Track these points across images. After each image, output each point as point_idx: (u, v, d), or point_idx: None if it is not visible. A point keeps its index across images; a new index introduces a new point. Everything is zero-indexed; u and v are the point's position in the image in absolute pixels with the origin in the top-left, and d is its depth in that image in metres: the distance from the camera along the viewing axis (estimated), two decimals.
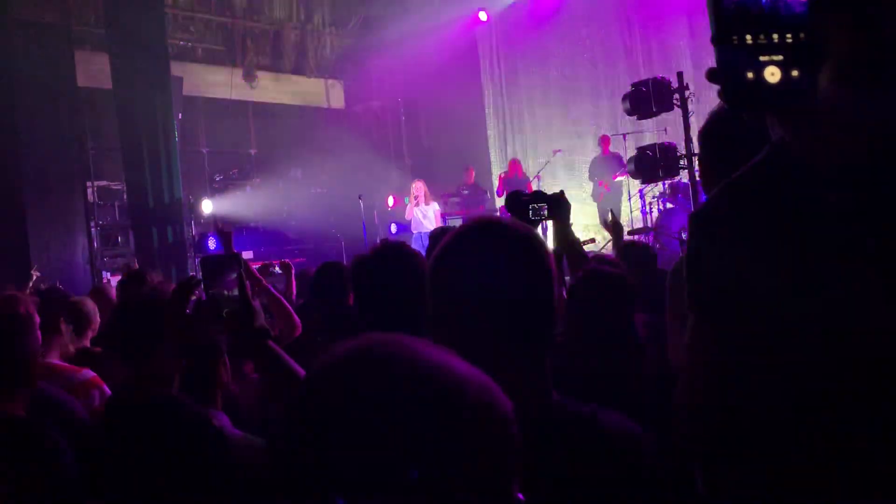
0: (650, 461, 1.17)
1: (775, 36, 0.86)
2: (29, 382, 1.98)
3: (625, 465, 1.13)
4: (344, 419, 0.71)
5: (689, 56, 10.77)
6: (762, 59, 0.85)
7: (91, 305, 3.70)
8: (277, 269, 5.01)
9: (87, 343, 3.55)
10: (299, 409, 0.75)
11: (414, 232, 10.78)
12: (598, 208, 11.58)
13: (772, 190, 1.02)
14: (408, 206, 10.96)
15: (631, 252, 3.91)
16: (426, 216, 10.67)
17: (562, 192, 2.75)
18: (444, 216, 11.22)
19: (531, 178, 12.10)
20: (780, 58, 0.85)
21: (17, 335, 1.95)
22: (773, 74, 0.85)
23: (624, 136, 11.14)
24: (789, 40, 0.86)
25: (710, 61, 0.90)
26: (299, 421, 0.75)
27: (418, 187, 10.78)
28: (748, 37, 0.86)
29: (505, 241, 1.21)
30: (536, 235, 1.26)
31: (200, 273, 1.82)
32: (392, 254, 1.98)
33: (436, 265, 1.25)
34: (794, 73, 0.85)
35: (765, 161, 1.05)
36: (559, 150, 12.92)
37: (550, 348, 1.22)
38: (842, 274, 0.94)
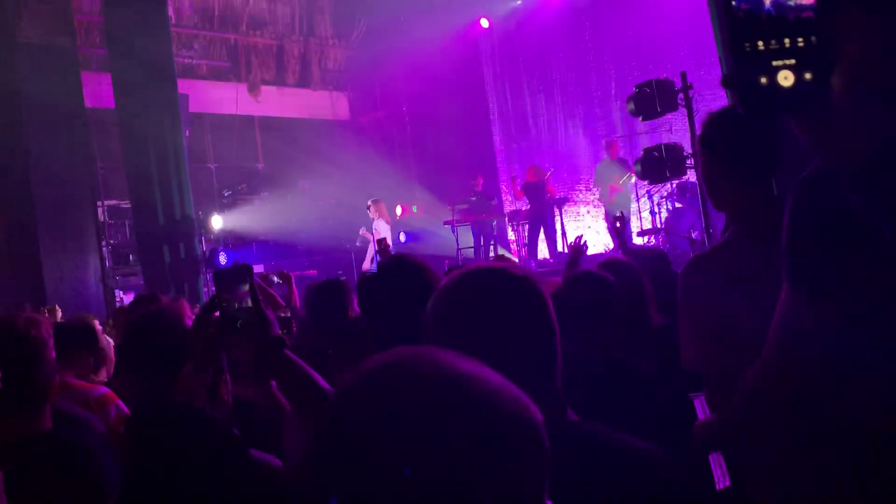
0: (668, 480, 1.16)
1: (786, 40, 0.86)
2: (49, 398, 2.02)
3: (642, 484, 1.13)
4: (382, 432, 0.73)
5: (692, 55, 10.77)
6: (775, 63, 0.85)
7: (106, 341, 3.67)
8: (276, 279, 5.04)
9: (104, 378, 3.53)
10: (335, 424, 0.77)
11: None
12: (607, 211, 11.59)
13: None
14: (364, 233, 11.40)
15: (639, 258, 3.88)
16: (372, 233, 11.03)
17: None
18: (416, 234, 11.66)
19: (546, 181, 12.09)
20: (793, 62, 0.85)
21: (37, 356, 1.99)
22: (786, 78, 0.85)
23: (629, 137, 11.15)
24: (800, 44, 0.86)
25: (713, 60, 0.90)
26: (335, 436, 0.76)
27: (370, 209, 11.31)
28: (760, 43, 0.86)
29: (506, 286, 1.28)
30: (533, 277, 1.33)
31: (214, 286, 1.83)
32: (399, 268, 1.95)
33: (440, 309, 1.32)
34: (807, 76, 0.85)
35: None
36: (565, 153, 12.99)
37: (558, 370, 1.26)
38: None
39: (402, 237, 13.29)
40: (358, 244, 11.76)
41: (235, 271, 1.80)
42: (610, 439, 1.20)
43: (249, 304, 1.73)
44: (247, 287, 1.74)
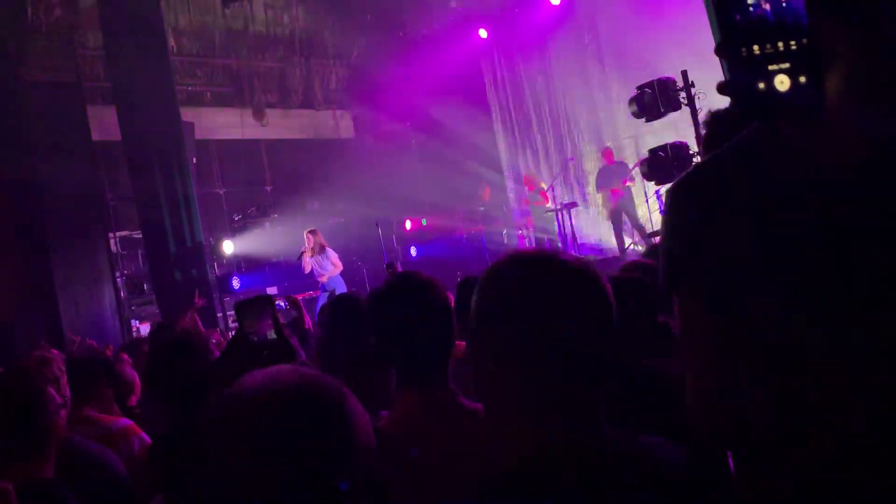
0: (700, 488, 1.12)
1: (780, 44, 0.86)
2: (51, 443, 2.02)
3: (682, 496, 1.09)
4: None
5: (693, 53, 10.73)
6: (771, 68, 0.85)
7: (130, 373, 3.69)
8: (282, 303, 5.04)
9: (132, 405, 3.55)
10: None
11: (319, 280, 10.79)
12: (610, 216, 11.64)
13: (761, 171, 1.00)
14: (302, 259, 10.82)
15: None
16: (321, 265, 10.64)
17: None
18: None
19: (545, 188, 12.14)
20: (788, 66, 0.85)
21: (38, 403, 2.00)
22: (782, 83, 0.85)
23: (634, 138, 11.17)
24: (794, 48, 0.85)
25: (713, 57, 0.90)
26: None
27: (308, 239, 10.72)
28: (756, 47, 0.86)
29: (563, 277, 1.13)
30: (594, 269, 1.18)
31: (237, 318, 1.85)
32: (407, 286, 1.90)
33: (486, 299, 1.16)
34: (801, 79, 0.85)
35: (751, 142, 1.03)
36: (571, 158, 12.99)
37: (606, 383, 1.15)
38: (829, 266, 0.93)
39: (413, 251, 13.31)
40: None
41: (257, 303, 1.83)
42: (645, 451, 1.13)
43: (273, 335, 1.76)
44: (269, 318, 1.77)
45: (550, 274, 1.13)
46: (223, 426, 0.87)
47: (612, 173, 11.42)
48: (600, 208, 12.23)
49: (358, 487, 0.86)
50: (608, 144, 11.97)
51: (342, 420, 0.89)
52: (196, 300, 5.26)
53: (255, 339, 1.82)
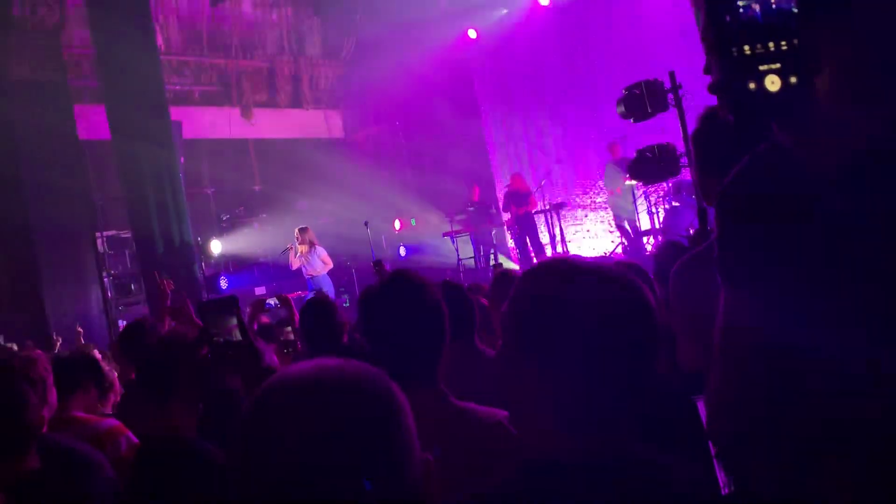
0: None
1: (771, 45, 0.86)
2: (35, 437, 2.03)
3: None
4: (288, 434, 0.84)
5: (682, 53, 10.78)
6: (762, 68, 0.86)
7: (108, 369, 3.64)
8: (270, 303, 5.01)
9: (109, 409, 3.51)
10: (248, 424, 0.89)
11: (307, 276, 10.93)
12: (612, 212, 11.63)
13: (775, 184, 1.01)
14: (288, 257, 11.00)
15: (664, 251, 3.83)
16: (310, 262, 10.80)
17: None
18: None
19: (534, 190, 12.15)
20: (778, 66, 0.86)
21: (19, 403, 2.00)
22: (773, 83, 0.85)
23: (622, 139, 11.18)
24: (784, 47, 0.86)
25: (702, 58, 0.91)
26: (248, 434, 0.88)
27: (298, 237, 10.89)
28: (746, 47, 0.86)
29: (610, 288, 1.14)
30: (634, 280, 1.17)
31: (200, 318, 1.83)
32: (401, 285, 1.88)
33: (530, 307, 1.16)
34: (792, 80, 0.86)
35: (765, 157, 1.04)
36: (558, 160, 13.02)
37: (647, 397, 1.14)
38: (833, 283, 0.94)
39: (403, 251, 13.30)
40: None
41: (221, 304, 1.81)
42: (675, 471, 1.12)
43: (238, 336, 1.74)
44: (234, 319, 1.75)
45: (597, 284, 1.13)
46: (269, 415, 0.87)
47: (615, 169, 11.33)
48: (588, 210, 12.25)
49: (406, 474, 0.87)
50: (614, 138, 11.87)
51: (388, 408, 0.91)
52: (167, 299, 5.17)
53: (220, 339, 1.80)
